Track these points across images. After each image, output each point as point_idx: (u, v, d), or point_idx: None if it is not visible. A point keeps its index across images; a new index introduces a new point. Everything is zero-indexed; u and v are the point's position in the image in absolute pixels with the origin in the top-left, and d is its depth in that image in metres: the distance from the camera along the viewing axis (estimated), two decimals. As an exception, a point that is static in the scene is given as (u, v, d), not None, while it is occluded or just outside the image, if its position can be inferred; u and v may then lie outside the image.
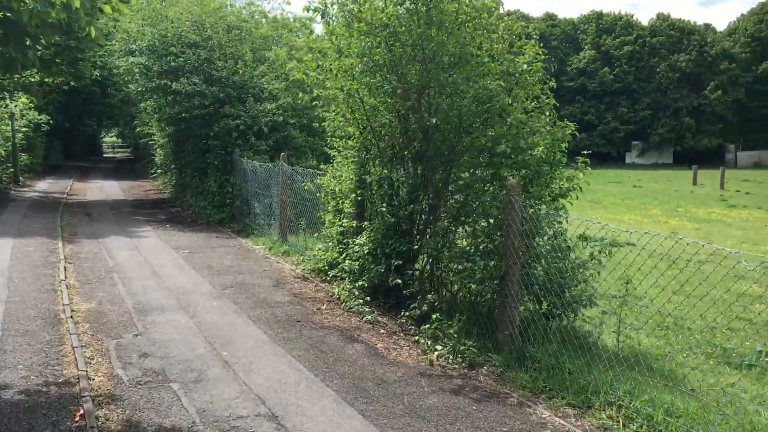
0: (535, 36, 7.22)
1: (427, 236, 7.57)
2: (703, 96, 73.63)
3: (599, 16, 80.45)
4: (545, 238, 6.53)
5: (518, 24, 7.16)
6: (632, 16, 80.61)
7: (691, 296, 9.69)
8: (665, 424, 4.74)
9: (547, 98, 7.04)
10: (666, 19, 79.33)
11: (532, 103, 7.20)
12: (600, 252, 6.33)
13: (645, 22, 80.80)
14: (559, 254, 6.43)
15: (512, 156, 6.42)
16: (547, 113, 6.94)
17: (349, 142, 8.84)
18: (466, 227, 7.23)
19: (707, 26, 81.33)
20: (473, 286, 6.49)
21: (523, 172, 6.54)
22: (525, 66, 6.88)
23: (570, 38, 78.40)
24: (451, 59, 6.80)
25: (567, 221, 6.55)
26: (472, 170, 7.14)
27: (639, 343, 7.47)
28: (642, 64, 75.69)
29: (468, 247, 6.97)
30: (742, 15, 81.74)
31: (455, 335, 6.45)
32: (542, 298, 6.54)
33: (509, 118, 6.48)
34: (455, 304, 7.03)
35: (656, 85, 74.71)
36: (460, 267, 6.83)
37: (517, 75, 6.90)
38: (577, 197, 6.81)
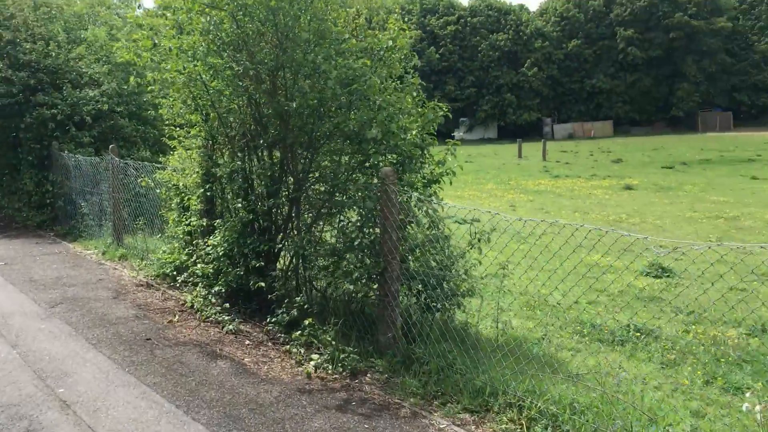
0: (396, 9, 6.71)
1: (291, 233, 6.88)
2: (521, 73, 78.15)
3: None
4: (423, 227, 6.10)
5: (376, -3, 6.61)
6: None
7: (549, 272, 9.82)
8: (571, 423, 4.47)
9: (413, 77, 6.56)
10: (484, 0, 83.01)
11: (393, 83, 6.69)
12: (479, 240, 5.99)
13: (465, 2, 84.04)
14: (438, 244, 6.02)
15: (384, 141, 5.89)
16: (415, 94, 6.47)
17: (192, 131, 7.88)
18: (334, 221, 6.64)
19: (521, 6, 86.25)
20: (349, 286, 5.92)
21: (396, 158, 6.03)
22: (390, 42, 6.35)
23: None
24: (309, 36, 6.12)
25: (443, 209, 6.15)
26: (338, 158, 6.53)
27: (512, 326, 7.29)
28: (465, 44, 78.93)
29: (338, 243, 6.38)
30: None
31: (332, 341, 5.86)
32: (422, 293, 6.11)
33: (378, 100, 5.93)
34: (329, 307, 6.42)
35: (479, 64, 78.28)
36: (331, 265, 6.22)
37: (381, 52, 6.36)
38: (451, 182, 6.43)
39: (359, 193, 6.06)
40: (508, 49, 78.74)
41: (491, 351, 5.62)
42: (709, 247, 3.65)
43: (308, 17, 6.19)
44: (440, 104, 6.39)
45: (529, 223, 5.23)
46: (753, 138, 62.66)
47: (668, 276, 10.50)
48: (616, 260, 10.74)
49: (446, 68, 77.29)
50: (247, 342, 6.54)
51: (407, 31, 6.41)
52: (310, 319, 6.13)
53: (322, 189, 6.78)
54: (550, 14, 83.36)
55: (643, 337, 7.01)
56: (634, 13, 78.63)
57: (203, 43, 6.51)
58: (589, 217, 18.85)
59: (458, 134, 75.81)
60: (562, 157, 50.06)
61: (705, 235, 15.75)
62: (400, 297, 5.97)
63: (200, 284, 7.70)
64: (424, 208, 6.08)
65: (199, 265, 7.64)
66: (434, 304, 6.10)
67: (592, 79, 79.72)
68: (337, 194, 6.49)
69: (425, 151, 6.32)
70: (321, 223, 6.78)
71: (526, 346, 6.54)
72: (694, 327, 7.48)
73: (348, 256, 6.05)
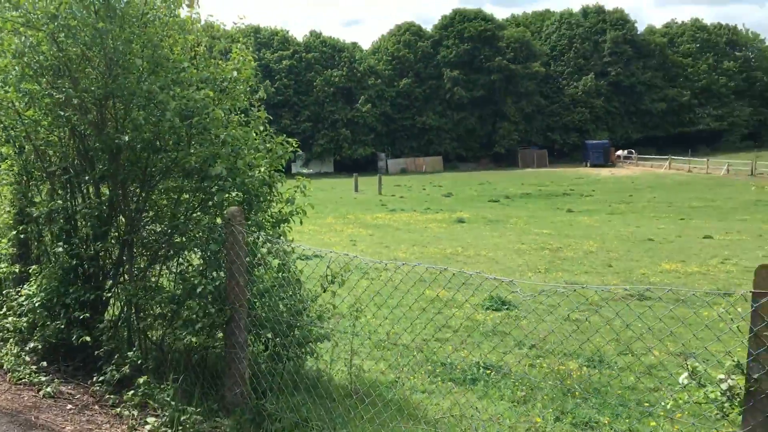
0: (241, 39, 6.31)
1: (122, 279, 6.17)
2: (356, 109, 79.90)
3: (257, 30, 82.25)
4: (272, 270, 5.69)
5: (218, 25, 6.20)
6: (288, 32, 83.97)
7: (392, 308, 9.73)
8: (438, 476, 4.24)
9: (259, 110, 6.18)
10: (318, 36, 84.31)
11: (237, 117, 6.26)
12: (333, 282, 5.69)
13: (300, 38, 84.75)
14: (289, 288, 5.64)
15: (229, 178, 5.44)
16: (261, 128, 6.08)
17: (3, 166, 6.92)
18: (173, 266, 6.04)
19: (354, 44, 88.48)
20: (193, 339, 5.35)
21: (242, 196, 5.59)
22: (235, 73, 5.94)
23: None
24: (143, 63, 5.56)
25: (293, 250, 5.79)
26: (177, 196, 5.97)
27: (363, 370, 7.03)
28: (300, 78, 79.46)
29: (177, 290, 5.79)
30: (383, 35, 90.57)
31: (171, 401, 5.24)
32: (272, 341, 5.68)
33: (223, 135, 5.48)
34: (167, 361, 5.78)
35: (314, 98, 79.07)
36: (169, 314, 5.62)
37: (224, 83, 5.92)
38: (301, 222, 6.09)
39: (202, 235, 5.54)
40: (343, 85, 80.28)
41: (347, 400, 5.32)
42: (574, 290, 3.61)
43: (142, 42, 5.64)
44: (289, 139, 6.07)
45: (373, 258, 5.00)
46: (566, 173, 68.28)
47: (507, 308, 10.79)
48: (456, 293, 10.91)
49: (282, 102, 77.16)
50: (69, 406, 5.72)
51: (252, 62, 6.04)
52: (145, 377, 5.48)
53: (159, 230, 6.17)
54: (382, 53, 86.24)
55: (492, 374, 7.02)
56: (459, 55, 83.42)
57: (16, 67, 5.72)
58: (428, 251, 19.25)
59: (295, 168, 75.82)
60: (396, 191, 51.49)
61: (534, 265, 16.58)
62: (249, 347, 5.50)
63: (11, 340, 6.70)
64: (274, 250, 5.69)
65: (10, 318, 6.66)
66: (285, 353, 5.68)
67: (422, 116, 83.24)
68: (176, 236, 5.91)
69: (273, 189, 5.95)
70: (158, 267, 6.14)
71: (380, 390, 6.30)
72: (538, 361, 7.64)
73: (189, 303, 5.50)
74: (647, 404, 6.17)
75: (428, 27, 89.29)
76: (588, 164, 75.68)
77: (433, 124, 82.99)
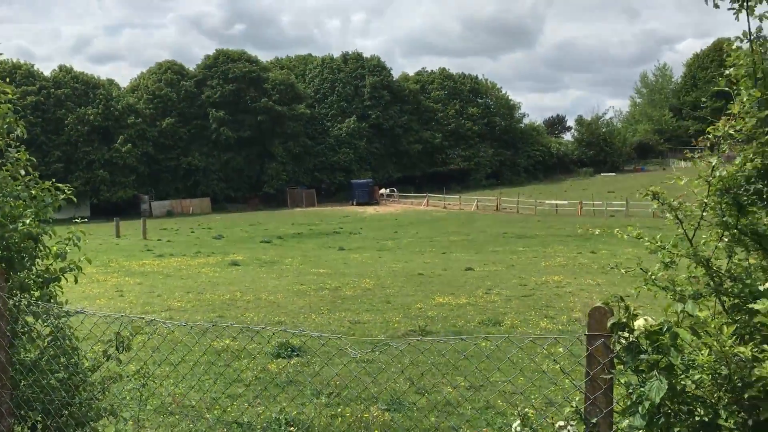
0: (-6, 68, 5.38)
1: None
2: (114, 149, 75.10)
3: (-5, 61, 74.27)
4: (42, 340, 4.81)
5: (-37, 51, 5.21)
6: (33, 66, 76.91)
7: (173, 365, 8.96)
8: None
9: (19, 152, 5.27)
10: (69, 72, 78.32)
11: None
12: (117, 349, 4.95)
13: (48, 72, 78.03)
14: (62, 359, 4.80)
15: (-16, 233, 4.52)
16: (23, 172, 5.17)
17: None
18: None
19: (111, 81, 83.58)
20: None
21: (1, 253, 4.67)
22: (-12, 108, 5.00)
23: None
24: None
25: (67, 314, 4.97)
26: None
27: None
28: (49, 116, 73.06)
29: None
30: (142, 73, 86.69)
31: None
32: (41, 423, 4.77)
33: (-26, 180, 4.56)
34: None
35: (66, 138, 73.08)
36: None
37: (-26, 119, 4.96)
38: (76, 279, 5.27)
39: (-54, 303, 4.52)
40: (99, 124, 75.12)
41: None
42: (408, 343, 3.44)
43: None
44: (60, 185, 5.25)
45: (145, 310, 4.47)
46: (334, 212, 70.15)
47: (297, 355, 10.48)
48: (245, 343, 10.37)
49: (28, 142, 69.26)
50: None
51: (10, 95, 5.15)
52: None
53: None
54: (142, 91, 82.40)
55: (296, 430, 6.63)
56: (224, 95, 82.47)
57: None
58: (204, 297, 18.30)
59: (44, 213, 69.03)
60: (163, 234, 48.97)
61: (317, 307, 16.46)
62: (13, 435, 4.56)
63: None
64: (43, 315, 4.82)
65: None
66: (60, 436, 4.81)
67: (187, 156, 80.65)
68: None
69: (40, 243, 5.08)
70: None
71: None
72: (339, 410, 7.40)
73: (-70, 390, 4.43)
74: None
75: (191, 66, 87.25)
76: (354, 203, 78.55)
77: (199, 165, 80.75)
